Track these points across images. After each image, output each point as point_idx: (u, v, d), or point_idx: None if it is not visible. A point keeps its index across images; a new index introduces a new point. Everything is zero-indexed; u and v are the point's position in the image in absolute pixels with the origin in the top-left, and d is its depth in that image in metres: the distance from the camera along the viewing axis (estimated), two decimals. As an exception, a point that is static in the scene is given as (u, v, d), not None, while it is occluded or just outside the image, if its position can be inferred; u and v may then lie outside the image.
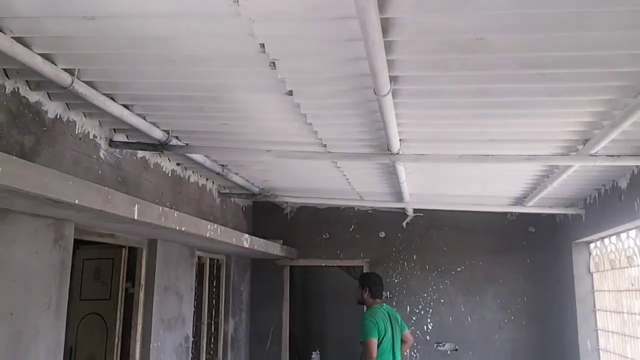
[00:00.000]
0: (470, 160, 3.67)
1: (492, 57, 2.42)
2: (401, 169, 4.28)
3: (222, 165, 4.97)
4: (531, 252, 6.78)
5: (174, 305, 4.90)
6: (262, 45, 2.42)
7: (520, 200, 5.76)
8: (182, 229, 3.80)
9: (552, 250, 6.68)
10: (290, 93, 2.99)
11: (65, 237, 3.36)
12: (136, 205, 3.15)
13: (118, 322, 4.44)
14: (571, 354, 6.10)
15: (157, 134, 3.80)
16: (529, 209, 5.71)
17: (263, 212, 7.27)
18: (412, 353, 6.72)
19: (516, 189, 5.29)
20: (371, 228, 7.11)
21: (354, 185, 5.47)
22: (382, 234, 7.08)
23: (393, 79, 2.65)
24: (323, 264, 7.17)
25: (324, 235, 7.18)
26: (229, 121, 3.64)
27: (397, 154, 3.69)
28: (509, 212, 6.73)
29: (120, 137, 4.05)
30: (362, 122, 3.41)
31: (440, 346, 6.72)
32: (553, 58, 2.44)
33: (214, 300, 6.21)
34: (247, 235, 5.20)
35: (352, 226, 7.16)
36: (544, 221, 6.77)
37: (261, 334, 7.07)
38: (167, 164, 4.88)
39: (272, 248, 6.02)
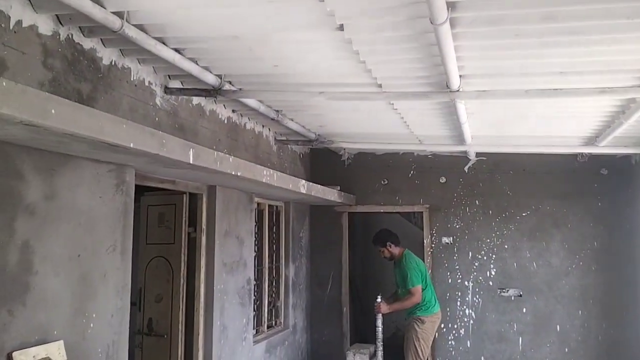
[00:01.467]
0: (538, 96, 3.42)
1: (560, -26, 2.18)
2: (462, 108, 4.07)
3: (277, 111, 4.92)
4: (603, 196, 6.41)
5: (235, 249, 5.02)
6: (308, -25, 2.30)
7: (592, 140, 5.40)
8: (238, 174, 3.82)
9: (625, 194, 6.29)
10: (341, 28, 2.85)
11: (126, 182, 3.45)
12: (191, 150, 3.17)
13: (182, 265, 4.60)
14: (645, 300, 5.83)
15: (210, 79, 3.78)
16: (601, 149, 5.35)
17: (321, 159, 7.24)
18: (475, 298, 6.64)
19: (588, 127, 4.95)
20: (431, 173, 6.94)
21: (412, 128, 5.30)
22: (443, 179, 6.90)
23: (450, 6, 2.46)
24: (382, 210, 7.11)
25: (382, 181, 7.08)
26: (279, 62, 3.55)
27: (457, 91, 3.50)
28: (579, 154, 6.36)
29: (175, 84, 4.07)
30: (419, 57, 3.24)
31: (504, 292, 6.58)
32: (633, -29, 2.18)
33: (274, 246, 6.33)
34: (304, 181, 5.19)
35: (411, 172, 7.01)
36: (618, 163, 6.36)
37: (321, 278, 7.19)
38: (223, 111, 4.89)
39: (330, 194, 6.01)
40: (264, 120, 5.49)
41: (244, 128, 5.34)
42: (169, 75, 3.99)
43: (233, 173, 3.72)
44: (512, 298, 6.55)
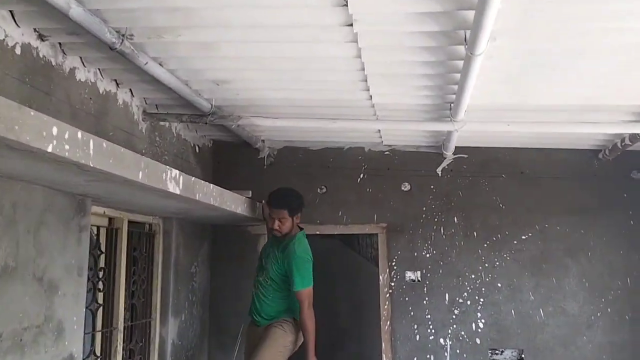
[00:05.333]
0: None
1: None
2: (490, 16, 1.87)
3: (121, 35, 2.54)
4: (636, 210, 4.45)
5: (33, 303, 2.52)
6: None
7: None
8: None
9: (667, 207, 4.37)
10: None
11: None
12: None
13: None
14: None
15: None
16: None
17: (229, 157, 4.89)
18: (455, 364, 4.42)
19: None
20: (389, 178, 4.74)
21: (373, 84, 3.07)
22: (406, 187, 4.72)
23: None
24: (317, 232, 4.79)
25: (319, 189, 4.80)
26: None
27: None
28: (602, 150, 4.39)
29: None
30: None
31: (497, 354, 4.41)
32: None
33: (142, 290, 3.85)
34: (176, 172, 2.78)
35: (362, 175, 4.79)
36: (657, 162, 4.45)
37: (226, 336, 4.73)
38: (11, 28, 2.47)
39: (233, 201, 3.61)
40: (112, 68, 3.10)
41: (71, 77, 2.93)
42: None
43: None
44: (510, 363, 4.40)
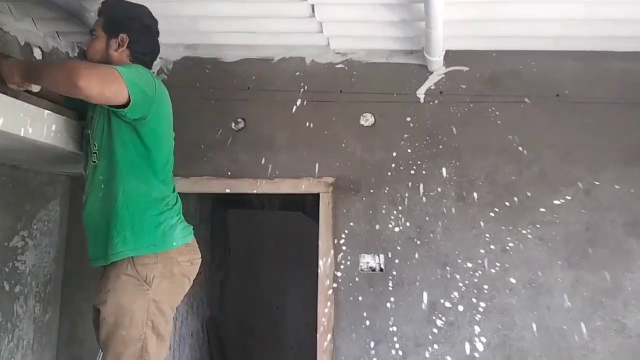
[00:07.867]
0: None
1: None
2: None
3: None
4: None
5: None
6: None
7: None
8: None
9: None
10: None
11: None
12: None
13: None
14: None
15: None
16: None
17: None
18: (434, 409, 2.68)
19: None
20: (342, 105, 2.98)
21: None
22: (368, 119, 2.95)
23: None
24: (228, 190, 3.05)
25: (233, 124, 3.06)
26: None
27: None
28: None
29: None
30: None
31: (505, 394, 2.65)
32: None
33: None
34: None
35: (299, 102, 3.03)
36: None
37: (82, 347, 3.06)
38: None
39: (24, 114, 1.89)
40: None
41: None
42: None
43: None
44: (528, 411, 2.63)
